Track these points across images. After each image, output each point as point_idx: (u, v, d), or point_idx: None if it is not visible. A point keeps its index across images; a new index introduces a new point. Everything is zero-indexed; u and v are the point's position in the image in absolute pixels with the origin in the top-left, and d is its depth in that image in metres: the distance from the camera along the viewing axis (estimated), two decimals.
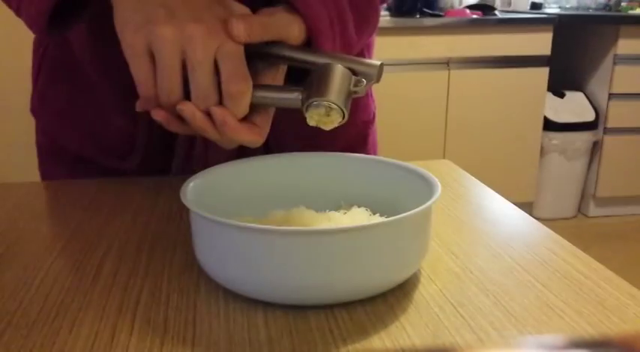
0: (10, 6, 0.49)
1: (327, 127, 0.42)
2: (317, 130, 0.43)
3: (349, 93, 0.42)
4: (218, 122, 0.41)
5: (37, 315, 0.36)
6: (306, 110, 0.41)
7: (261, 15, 0.44)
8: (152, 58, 0.40)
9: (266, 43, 0.43)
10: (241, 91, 0.41)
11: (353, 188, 0.47)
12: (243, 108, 0.42)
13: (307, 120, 0.42)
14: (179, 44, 0.39)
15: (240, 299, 0.37)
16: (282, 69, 0.47)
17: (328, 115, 0.41)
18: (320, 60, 0.43)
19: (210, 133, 0.42)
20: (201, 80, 0.40)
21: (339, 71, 0.41)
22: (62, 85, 0.62)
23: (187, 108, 0.41)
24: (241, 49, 0.41)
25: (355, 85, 0.42)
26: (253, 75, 0.42)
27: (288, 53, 0.44)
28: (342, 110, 0.41)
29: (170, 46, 0.39)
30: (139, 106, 0.43)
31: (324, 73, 0.41)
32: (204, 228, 0.37)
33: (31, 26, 0.47)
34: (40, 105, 0.65)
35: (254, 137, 0.43)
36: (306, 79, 0.42)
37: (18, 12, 0.48)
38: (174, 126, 0.43)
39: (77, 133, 0.63)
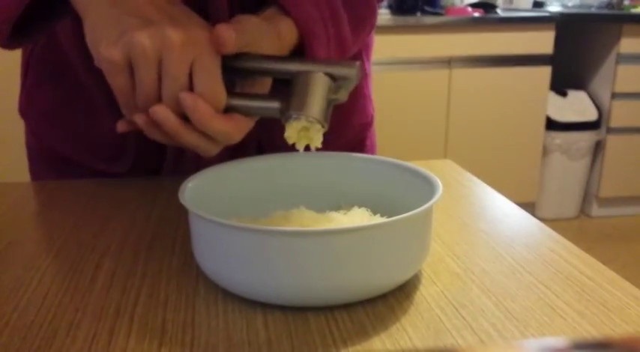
0: None
1: (308, 143, 0.41)
2: None
3: (330, 103, 0.41)
4: (190, 109, 0.39)
5: (34, 317, 0.35)
6: (286, 121, 0.41)
7: (242, 23, 0.42)
8: (130, 67, 0.39)
9: (236, 56, 0.41)
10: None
11: (353, 188, 0.47)
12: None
13: (286, 136, 0.41)
14: (157, 51, 0.38)
15: (239, 301, 0.37)
16: (265, 82, 0.45)
17: (307, 130, 0.40)
18: (295, 67, 0.41)
19: (185, 136, 0.40)
20: (173, 90, 0.39)
21: (319, 81, 0.40)
22: (50, 85, 0.60)
23: (161, 111, 0.39)
24: (218, 63, 0.40)
25: (335, 93, 0.41)
26: (229, 88, 0.41)
27: (262, 65, 0.42)
28: (322, 125, 0.40)
29: (150, 54, 0.38)
30: (126, 114, 0.42)
31: (303, 83, 0.40)
32: (202, 229, 0.37)
33: None
34: (27, 105, 0.63)
35: (231, 127, 0.41)
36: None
37: None
38: (153, 133, 0.41)
39: (66, 135, 0.62)
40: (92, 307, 0.36)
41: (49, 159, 0.64)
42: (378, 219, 0.43)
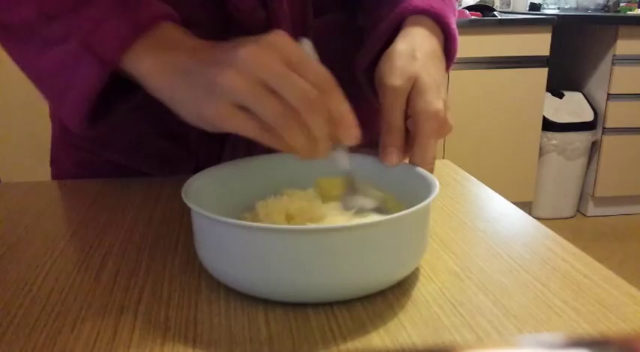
0: (50, 100, 0.47)
1: None
2: None
3: None
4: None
5: (39, 314, 0.36)
6: None
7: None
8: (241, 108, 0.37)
9: None
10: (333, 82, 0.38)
11: None
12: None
13: None
14: (254, 77, 0.36)
15: (241, 298, 0.37)
16: None
17: None
18: None
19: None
20: (296, 83, 0.36)
21: None
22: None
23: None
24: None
25: None
26: None
27: None
28: None
29: (250, 80, 0.36)
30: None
31: None
32: (205, 227, 0.37)
33: (69, 118, 0.45)
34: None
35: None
36: None
37: (58, 107, 0.46)
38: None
39: (125, 146, 0.62)
40: (96, 305, 0.37)
41: (91, 167, 0.64)
42: (377, 218, 0.43)
